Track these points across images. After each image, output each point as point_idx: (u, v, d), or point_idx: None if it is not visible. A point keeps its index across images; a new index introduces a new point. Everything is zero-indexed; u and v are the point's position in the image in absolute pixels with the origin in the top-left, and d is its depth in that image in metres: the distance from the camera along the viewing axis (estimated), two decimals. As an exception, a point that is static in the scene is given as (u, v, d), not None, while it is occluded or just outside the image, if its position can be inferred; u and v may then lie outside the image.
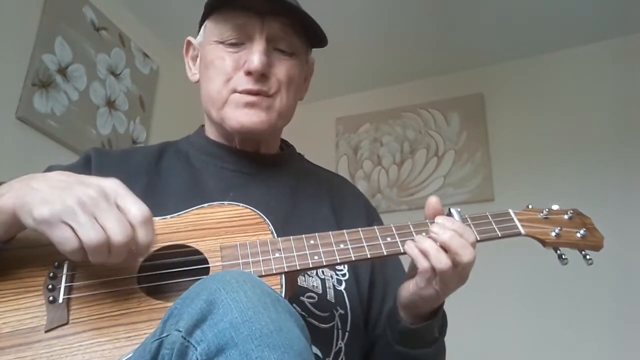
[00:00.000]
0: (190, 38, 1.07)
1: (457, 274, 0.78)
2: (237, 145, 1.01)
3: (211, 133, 1.04)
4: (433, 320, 0.85)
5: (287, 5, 0.93)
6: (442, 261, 0.77)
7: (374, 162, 2.95)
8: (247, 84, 0.93)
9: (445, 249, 0.78)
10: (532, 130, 2.65)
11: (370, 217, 1.08)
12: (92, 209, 0.65)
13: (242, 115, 0.94)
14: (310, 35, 0.99)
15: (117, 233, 0.65)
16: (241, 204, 0.81)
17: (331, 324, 0.90)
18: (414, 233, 0.82)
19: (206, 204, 0.82)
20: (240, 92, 0.94)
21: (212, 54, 0.97)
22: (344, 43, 2.59)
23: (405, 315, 0.86)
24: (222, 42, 0.96)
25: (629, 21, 2.52)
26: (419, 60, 2.84)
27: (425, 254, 0.78)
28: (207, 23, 1.00)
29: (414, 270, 0.82)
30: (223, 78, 0.95)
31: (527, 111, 2.70)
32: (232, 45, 0.95)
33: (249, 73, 0.93)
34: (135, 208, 0.68)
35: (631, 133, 2.46)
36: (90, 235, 0.64)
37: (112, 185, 0.69)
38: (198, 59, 1.04)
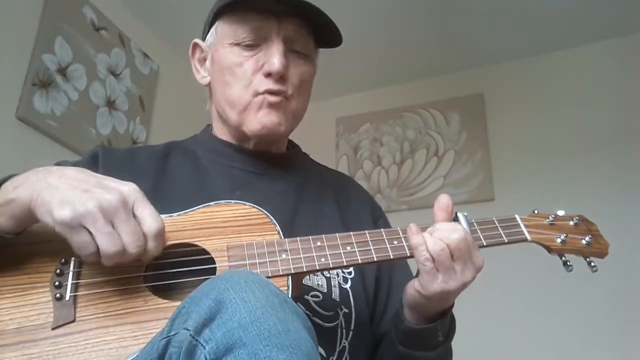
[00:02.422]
0: (197, 40, 1.05)
1: (457, 263, 0.78)
2: (249, 146, 1.01)
3: (221, 133, 1.04)
4: (438, 322, 0.84)
5: (303, 5, 0.93)
6: (436, 243, 0.78)
7: (374, 162, 2.95)
8: (268, 84, 0.93)
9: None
10: (532, 130, 2.65)
11: (375, 214, 1.08)
12: (111, 217, 0.67)
13: (263, 116, 0.94)
14: (324, 35, 0.99)
15: (132, 246, 0.68)
16: (248, 203, 0.81)
17: (335, 323, 0.90)
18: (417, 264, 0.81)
19: (213, 202, 0.82)
20: (262, 93, 0.94)
21: (228, 57, 0.96)
22: (344, 43, 2.56)
23: (411, 317, 0.86)
24: (237, 44, 0.95)
25: (629, 21, 2.52)
26: (419, 60, 2.84)
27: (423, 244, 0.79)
28: (218, 24, 0.99)
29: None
30: (243, 83, 0.94)
31: (527, 111, 2.70)
32: (249, 47, 0.95)
33: (268, 74, 0.93)
34: (151, 219, 0.70)
35: (631, 133, 2.47)
36: (108, 244, 0.66)
37: (131, 192, 0.70)
38: (207, 61, 1.03)
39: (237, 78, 0.95)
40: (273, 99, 0.94)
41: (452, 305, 0.86)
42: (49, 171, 0.71)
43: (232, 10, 0.96)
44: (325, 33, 0.98)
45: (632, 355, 2.14)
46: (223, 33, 0.98)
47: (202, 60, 1.05)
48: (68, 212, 0.65)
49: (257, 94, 0.94)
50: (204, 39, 1.04)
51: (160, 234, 0.70)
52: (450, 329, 0.88)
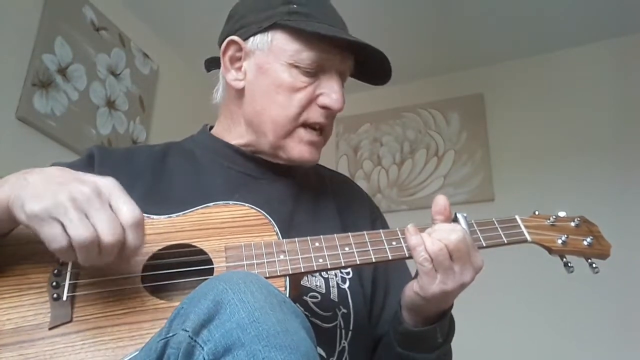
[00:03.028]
0: (236, 38, 0.97)
1: (456, 263, 0.78)
2: (257, 154, 1.00)
3: (233, 136, 1.01)
4: (437, 324, 0.84)
5: (368, 46, 0.92)
6: (435, 244, 0.78)
7: (374, 162, 2.95)
8: (321, 117, 0.94)
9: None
10: (532, 130, 2.65)
11: (373, 215, 1.08)
12: (84, 206, 0.64)
13: (305, 152, 0.95)
14: (371, 72, 0.99)
15: (107, 232, 0.64)
16: (246, 204, 0.82)
17: (334, 324, 0.89)
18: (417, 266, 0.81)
19: (211, 204, 0.82)
20: (309, 125, 0.94)
21: (283, 77, 0.93)
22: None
23: (409, 319, 0.85)
24: (296, 67, 0.92)
25: (629, 21, 2.52)
26: (418, 60, 2.84)
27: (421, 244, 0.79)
28: (277, 34, 0.94)
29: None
30: (295, 110, 0.93)
31: (527, 111, 2.70)
32: (308, 73, 0.93)
33: (325, 107, 0.93)
34: (127, 209, 0.67)
35: (631, 133, 2.47)
36: (79, 232, 0.63)
37: (108, 184, 0.68)
38: (246, 64, 0.97)
39: (290, 102, 0.93)
40: (315, 138, 0.95)
41: (451, 307, 0.86)
42: (29, 171, 0.70)
43: (305, 33, 0.92)
44: (375, 72, 0.98)
45: (632, 356, 2.14)
46: (282, 48, 0.93)
47: (236, 60, 0.98)
48: (37, 204, 0.64)
49: (305, 124, 0.94)
50: (242, 37, 0.97)
51: (138, 224, 0.67)
52: (449, 331, 0.88)
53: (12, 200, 0.67)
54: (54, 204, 0.64)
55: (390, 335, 0.89)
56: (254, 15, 0.96)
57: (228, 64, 0.98)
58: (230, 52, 0.98)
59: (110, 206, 0.66)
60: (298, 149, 0.95)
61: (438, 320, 0.84)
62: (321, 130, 0.97)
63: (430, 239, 0.79)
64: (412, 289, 0.81)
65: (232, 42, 0.98)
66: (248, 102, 0.97)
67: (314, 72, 0.93)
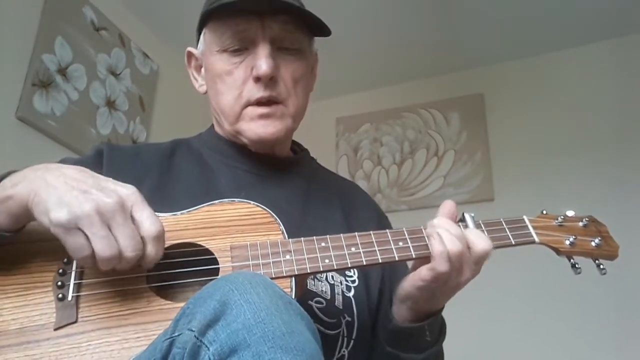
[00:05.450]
0: (190, 49, 1.04)
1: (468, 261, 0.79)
2: (251, 149, 1.00)
3: (223, 134, 1.03)
4: (426, 322, 0.83)
5: (284, 3, 0.91)
6: (456, 243, 0.78)
7: (374, 162, 2.94)
8: (258, 91, 0.92)
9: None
10: (532, 130, 2.65)
11: (381, 223, 1.07)
12: (108, 220, 0.66)
13: (258, 127, 0.93)
14: (312, 26, 0.96)
15: (129, 250, 0.66)
16: (252, 202, 0.80)
17: (337, 331, 0.89)
18: (426, 237, 0.81)
19: (217, 201, 0.81)
20: (253, 104, 0.92)
21: (217, 65, 0.95)
22: (344, 43, 2.58)
23: (399, 315, 0.85)
24: (225, 51, 0.93)
25: (629, 21, 2.52)
26: (419, 60, 2.84)
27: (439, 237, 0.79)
28: (205, 31, 0.98)
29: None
30: (234, 93, 0.93)
31: (527, 111, 2.70)
32: (236, 52, 0.93)
33: (257, 79, 0.91)
34: (149, 223, 0.68)
35: (631, 133, 2.47)
36: (104, 248, 0.65)
37: (130, 195, 0.69)
38: (202, 69, 1.02)
39: (228, 87, 0.94)
40: (264, 110, 0.92)
41: (442, 308, 0.86)
42: (47, 169, 0.70)
43: (216, 16, 0.94)
44: (313, 24, 0.96)
45: (634, 355, 2.14)
46: (210, 40, 0.96)
47: (198, 68, 1.03)
48: (64, 214, 0.64)
49: (248, 104, 0.93)
50: (196, 46, 1.03)
51: (159, 237, 0.68)
52: (440, 333, 0.87)
53: (32, 201, 0.67)
54: (80, 215, 0.65)
55: (379, 335, 0.88)
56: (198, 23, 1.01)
57: (195, 74, 1.05)
58: (192, 64, 1.05)
59: (132, 218, 0.68)
60: (251, 128, 0.93)
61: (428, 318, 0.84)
62: (275, 103, 0.93)
63: (453, 237, 0.78)
64: (419, 276, 0.80)
65: (189, 53, 1.05)
66: (210, 102, 1.01)
67: (243, 49, 0.93)
